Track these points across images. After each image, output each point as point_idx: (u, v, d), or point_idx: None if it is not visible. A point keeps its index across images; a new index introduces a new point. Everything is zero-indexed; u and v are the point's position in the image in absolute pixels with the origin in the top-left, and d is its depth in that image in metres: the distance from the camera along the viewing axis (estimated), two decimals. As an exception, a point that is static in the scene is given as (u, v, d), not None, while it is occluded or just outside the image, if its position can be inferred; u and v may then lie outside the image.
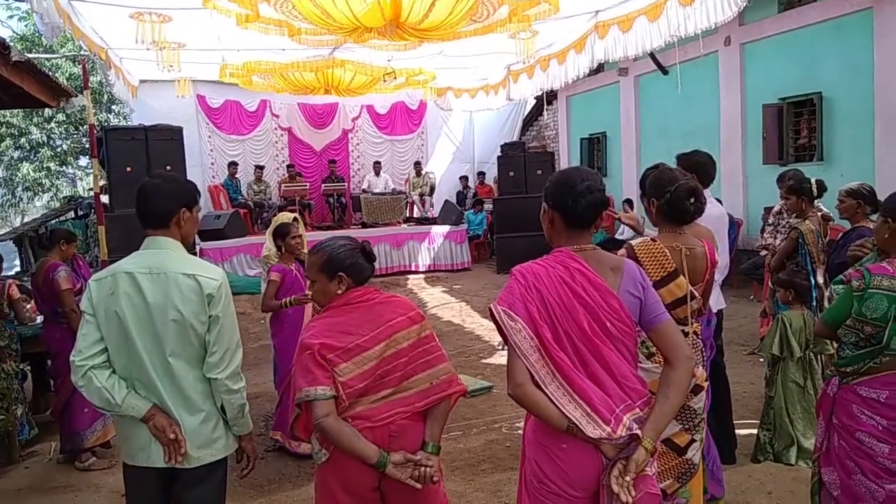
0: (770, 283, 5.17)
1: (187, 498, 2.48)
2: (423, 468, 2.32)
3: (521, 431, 4.78)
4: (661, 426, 2.01)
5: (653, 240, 2.76)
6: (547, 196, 2.16)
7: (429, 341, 2.47)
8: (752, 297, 8.92)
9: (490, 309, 2.04)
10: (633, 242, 2.78)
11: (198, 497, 2.49)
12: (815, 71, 9.22)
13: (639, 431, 1.94)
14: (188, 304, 2.37)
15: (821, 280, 4.56)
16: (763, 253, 7.07)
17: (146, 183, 2.51)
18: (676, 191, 2.73)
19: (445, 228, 12.94)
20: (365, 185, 14.61)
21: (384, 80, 11.53)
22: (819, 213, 5.09)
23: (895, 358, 2.55)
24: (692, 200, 2.73)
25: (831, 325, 2.68)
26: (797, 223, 4.83)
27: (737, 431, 4.40)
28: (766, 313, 5.28)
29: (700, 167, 3.59)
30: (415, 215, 14.35)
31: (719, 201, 9.69)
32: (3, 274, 5.73)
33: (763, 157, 9.99)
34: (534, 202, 12.38)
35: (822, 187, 5.05)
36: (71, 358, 2.39)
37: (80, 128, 20.60)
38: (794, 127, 9.72)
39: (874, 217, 4.31)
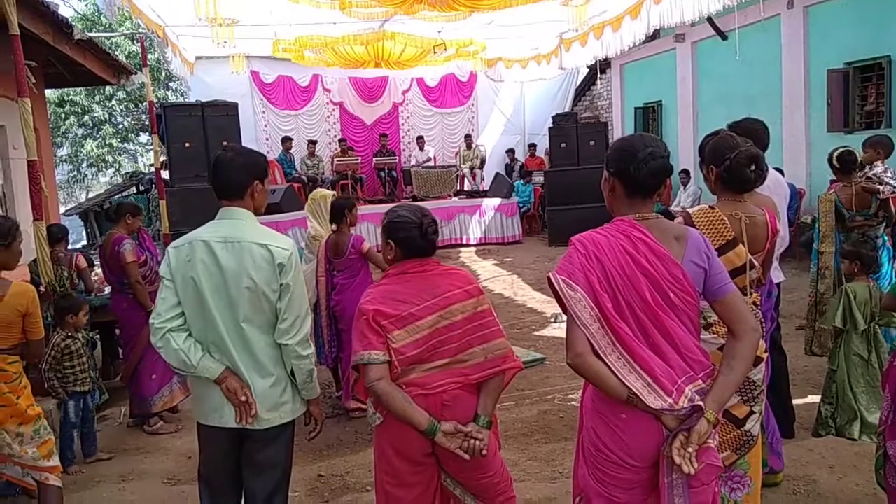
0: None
1: (257, 457, 2.59)
2: (472, 440, 2.35)
3: (574, 403, 4.80)
4: (724, 398, 1.98)
5: (711, 207, 2.71)
6: (608, 163, 2.11)
7: (485, 316, 2.47)
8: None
9: (548, 278, 2.02)
10: (690, 210, 2.73)
11: (267, 456, 2.59)
12: (883, 33, 8.78)
13: (701, 403, 1.92)
14: (261, 272, 2.46)
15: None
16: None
17: (221, 156, 2.60)
18: (737, 157, 2.67)
19: (496, 201, 12.90)
20: (413, 161, 14.65)
21: (434, 52, 11.51)
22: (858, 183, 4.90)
23: None
24: (753, 167, 2.67)
25: None
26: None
27: (797, 405, 4.32)
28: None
29: (751, 134, 3.47)
30: (465, 188, 14.33)
31: (780, 171, 9.42)
32: (70, 247, 5.98)
33: (828, 125, 9.60)
34: (587, 174, 12.23)
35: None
36: (150, 320, 2.52)
37: (140, 105, 21.16)
38: (861, 93, 9.30)
39: None
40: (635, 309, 1.96)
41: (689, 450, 1.87)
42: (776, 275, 3.52)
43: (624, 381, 1.92)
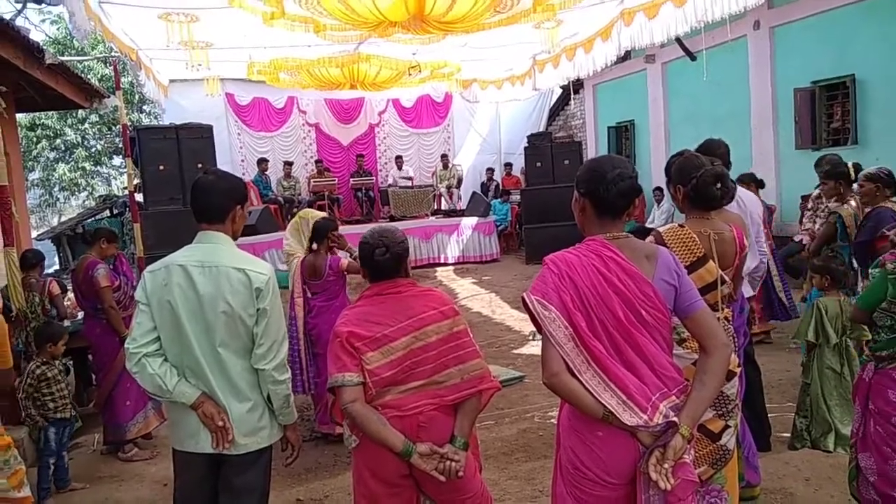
0: (810, 269, 5.11)
1: (235, 482, 2.56)
2: (448, 462, 2.35)
3: (553, 420, 4.80)
4: (698, 413, 2.01)
5: (681, 225, 2.76)
6: (578, 184, 2.16)
7: (461, 336, 2.48)
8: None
9: (523, 298, 2.05)
10: (660, 229, 2.78)
11: (244, 482, 2.56)
12: (848, 53, 9.02)
13: (675, 419, 1.94)
14: (238, 296, 2.45)
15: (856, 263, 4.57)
16: (798, 238, 6.98)
17: (203, 179, 2.60)
18: (702, 177, 2.74)
19: (474, 220, 12.95)
20: (391, 180, 14.68)
21: (409, 74, 11.56)
22: (857, 197, 5.02)
23: None
24: (718, 186, 2.74)
25: (866, 309, 2.66)
26: (836, 207, 4.78)
27: (773, 418, 4.37)
28: (805, 299, 5.21)
29: (713, 153, 3.54)
30: (443, 208, 14.38)
31: (761, 183, 9.59)
32: (43, 273, 5.89)
33: (796, 142, 9.81)
34: (561, 192, 12.29)
35: (858, 170, 4.99)
36: (126, 345, 2.49)
37: (113, 128, 20.94)
38: (828, 111, 9.53)
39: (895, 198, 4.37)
40: (608, 327, 1.99)
41: (665, 465, 1.89)
42: (747, 290, 3.58)
43: (599, 398, 1.94)
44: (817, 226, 5.44)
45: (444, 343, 2.44)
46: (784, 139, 10.15)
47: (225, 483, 2.57)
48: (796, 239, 7.21)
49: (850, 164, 4.94)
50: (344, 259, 4.90)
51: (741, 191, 3.57)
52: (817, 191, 5.83)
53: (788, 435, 4.20)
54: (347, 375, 2.35)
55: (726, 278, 2.72)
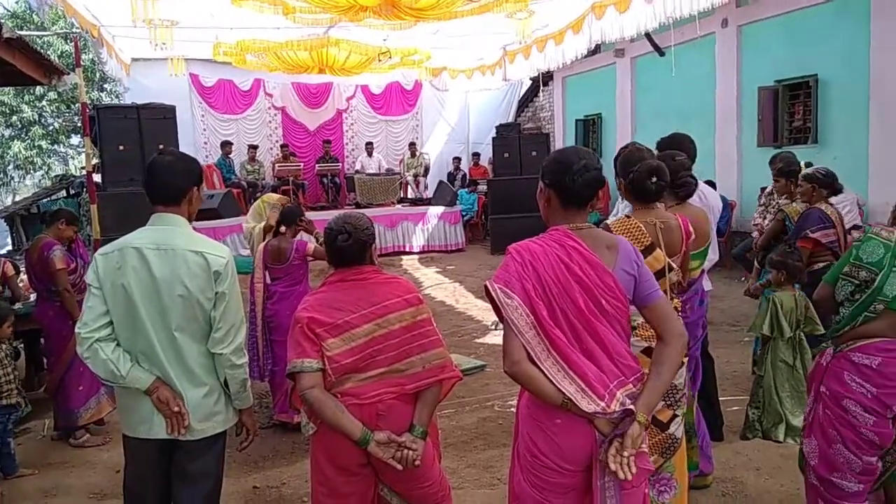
0: (756, 263, 5.21)
1: (189, 468, 2.51)
2: (406, 451, 2.34)
3: (513, 409, 4.81)
4: (653, 401, 2.04)
5: (627, 216, 2.81)
6: (544, 174, 2.17)
7: (424, 325, 2.46)
8: (742, 278, 8.96)
9: (486, 286, 2.05)
10: (609, 220, 2.84)
11: (198, 468, 2.52)
12: (812, 53, 9.21)
13: (632, 406, 1.96)
14: (195, 280, 2.40)
15: None
16: (754, 234, 7.11)
17: (159, 159, 2.53)
18: (638, 171, 2.80)
19: (440, 209, 12.93)
20: (358, 166, 14.55)
21: (379, 60, 11.47)
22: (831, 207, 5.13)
23: (888, 318, 2.57)
24: (654, 180, 2.81)
25: (830, 283, 2.73)
26: (784, 205, 4.88)
27: (727, 409, 4.46)
28: (749, 293, 5.31)
29: (679, 146, 3.60)
30: (409, 196, 14.32)
31: (713, 183, 9.75)
32: (-3, 252, 5.72)
33: (758, 140, 9.99)
34: (528, 183, 12.35)
35: (836, 187, 5.09)
36: (77, 330, 2.42)
37: (72, 106, 20.41)
38: (790, 109, 9.72)
39: (833, 199, 4.54)
40: (569, 315, 2.01)
41: (625, 454, 1.91)
42: (707, 283, 3.63)
43: (559, 386, 1.95)
44: (767, 221, 5.55)
45: (407, 331, 2.42)
46: (747, 136, 10.33)
47: (178, 469, 2.53)
48: (754, 235, 7.34)
49: (802, 163, 5.05)
50: (311, 243, 4.84)
51: (703, 186, 3.62)
52: (770, 187, 5.95)
53: (741, 426, 4.28)
54: (307, 361, 2.33)
55: (674, 266, 2.79)
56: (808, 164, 5.08)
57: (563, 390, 1.95)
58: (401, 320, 2.42)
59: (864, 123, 8.51)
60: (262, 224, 5.19)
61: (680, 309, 2.96)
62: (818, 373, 2.78)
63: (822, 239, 4.38)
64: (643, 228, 2.73)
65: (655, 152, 3.36)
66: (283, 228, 4.82)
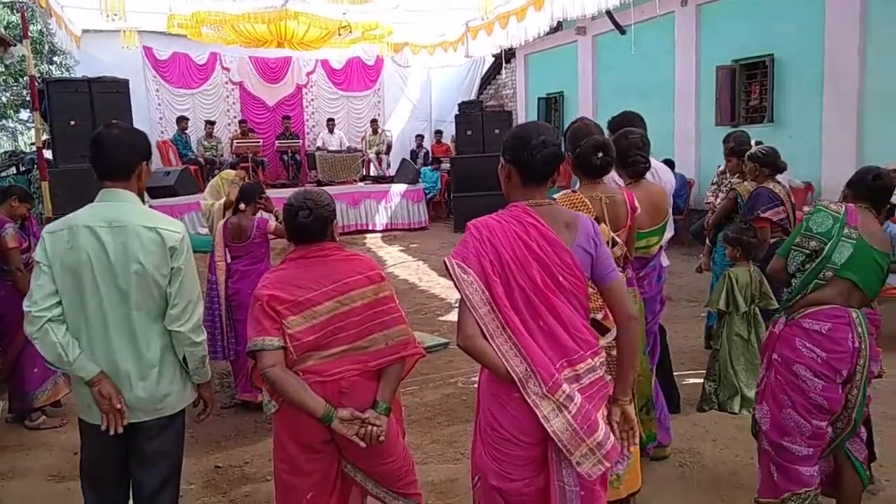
0: (708, 240, 5.33)
1: (146, 449, 2.48)
2: (369, 427, 2.35)
3: (475, 385, 4.87)
4: (627, 384, 2.22)
5: (573, 191, 2.86)
6: (504, 150, 2.17)
7: (386, 302, 2.46)
8: (701, 255, 9.14)
9: (444, 262, 2.07)
10: (556, 196, 2.85)
11: (156, 448, 2.49)
12: (768, 33, 9.35)
13: (580, 401, 2.03)
14: (150, 256, 2.34)
15: None
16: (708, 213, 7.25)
17: (104, 133, 2.44)
18: (584, 146, 2.84)
19: (402, 187, 12.87)
20: (319, 143, 14.37)
21: (339, 34, 11.31)
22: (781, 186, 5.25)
23: (837, 285, 2.68)
24: (600, 155, 2.85)
25: (783, 255, 2.85)
26: (736, 184, 4.99)
27: (685, 383, 4.57)
28: (701, 269, 5.46)
29: (630, 123, 3.65)
30: (371, 174, 14.21)
31: (671, 162, 9.89)
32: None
33: (716, 119, 10.15)
34: (491, 161, 12.32)
35: (781, 165, 5.21)
36: (26, 308, 2.34)
37: (20, 79, 19.67)
38: (747, 89, 9.88)
39: (780, 178, 4.66)
40: (527, 291, 2.03)
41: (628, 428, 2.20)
42: (664, 259, 3.69)
43: (507, 365, 2.00)
44: (719, 200, 5.67)
45: (368, 308, 2.41)
46: (705, 115, 10.48)
47: (135, 450, 2.49)
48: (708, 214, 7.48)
49: (753, 143, 5.15)
50: (271, 221, 4.79)
51: (655, 164, 3.66)
52: (723, 166, 6.06)
53: (698, 398, 4.40)
54: (267, 339, 2.31)
55: (618, 240, 2.84)
56: (758, 143, 5.18)
57: (511, 370, 1.99)
58: (363, 297, 2.40)
59: (819, 103, 8.71)
60: (222, 201, 5.11)
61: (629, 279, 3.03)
62: (771, 341, 2.88)
63: (773, 217, 4.49)
64: (588, 203, 2.77)
65: (607, 131, 3.41)
66: (242, 206, 4.76)
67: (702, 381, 4.43)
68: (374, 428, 2.35)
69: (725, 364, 4.26)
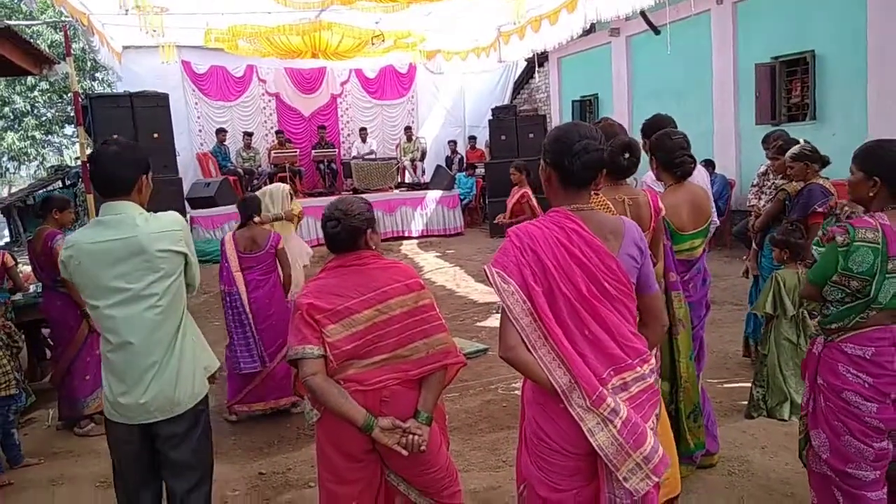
0: (754, 244, 5.18)
1: (171, 457, 2.55)
2: (410, 436, 2.33)
3: (516, 392, 4.83)
4: None
5: (595, 193, 2.78)
6: (545, 153, 2.12)
7: (427, 310, 2.43)
8: (744, 257, 8.95)
9: (484, 270, 2.04)
10: None
11: (180, 458, 2.55)
12: (809, 29, 9.14)
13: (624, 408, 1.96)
14: (161, 255, 2.44)
15: None
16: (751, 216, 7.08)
17: (103, 150, 2.51)
18: (611, 146, 2.76)
19: (438, 193, 12.89)
20: (354, 152, 14.48)
21: (372, 44, 11.37)
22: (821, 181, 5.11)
23: (882, 312, 2.52)
24: (627, 156, 2.82)
25: (817, 284, 2.64)
26: (784, 184, 4.85)
27: (731, 389, 4.46)
28: (748, 274, 5.30)
29: (662, 126, 3.58)
30: (406, 181, 14.26)
31: (711, 162, 9.71)
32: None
33: (756, 118, 9.94)
34: (526, 166, 12.19)
35: (825, 160, 5.07)
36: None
37: (65, 96, 20.26)
38: (787, 86, 9.66)
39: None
40: (571, 299, 1.98)
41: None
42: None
43: (550, 377, 1.95)
44: (762, 202, 5.50)
45: (408, 316, 2.39)
46: (744, 114, 10.27)
47: (162, 458, 2.56)
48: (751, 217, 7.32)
49: (801, 141, 5.02)
50: (282, 241, 4.99)
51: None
52: (764, 167, 5.90)
53: (745, 404, 4.29)
54: (308, 348, 2.32)
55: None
56: (806, 142, 5.05)
57: (555, 382, 1.95)
58: (402, 305, 2.39)
59: (863, 99, 8.47)
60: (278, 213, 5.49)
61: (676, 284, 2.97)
62: (811, 362, 2.72)
63: (828, 211, 4.37)
64: (609, 205, 2.69)
65: (639, 135, 3.37)
66: (257, 219, 4.94)
67: (748, 386, 4.32)
68: (416, 437, 2.33)
69: (774, 369, 4.15)
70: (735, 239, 8.63)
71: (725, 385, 4.81)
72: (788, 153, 4.63)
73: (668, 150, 3.18)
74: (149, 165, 2.58)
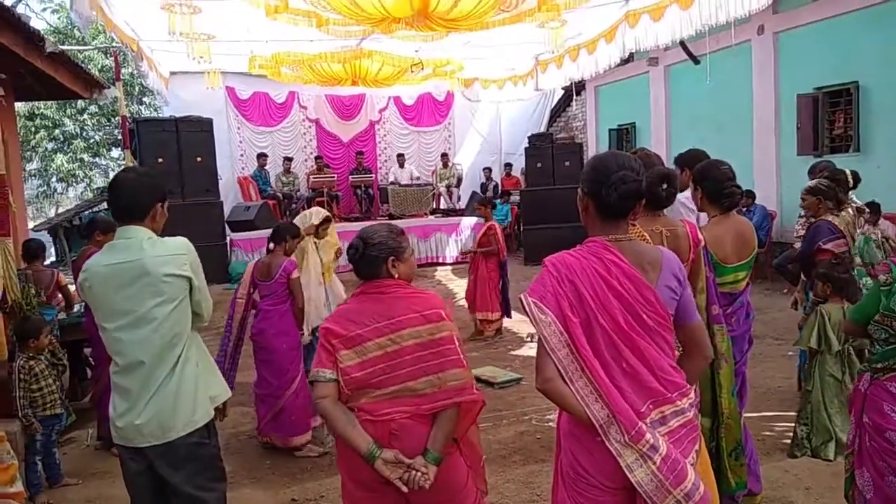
0: (802, 274, 5.09)
1: (174, 482, 2.54)
2: (413, 473, 2.25)
3: (550, 423, 4.77)
4: None
5: (632, 224, 2.75)
6: (582, 182, 2.11)
7: (443, 343, 2.35)
8: (785, 290, 8.77)
9: (520, 299, 2.02)
10: None
11: (184, 483, 2.54)
12: (852, 60, 9.00)
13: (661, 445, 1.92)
14: (171, 286, 2.47)
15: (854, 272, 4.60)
16: (796, 245, 6.95)
17: (122, 176, 2.58)
18: (649, 177, 2.73)
19: (473, 220, 12.90)
20: (391, 178, 14.63)
21: (411, 71, 11.52)
22: (854, 205, 5.04)
23: None
24: (665, 186, 2.78)
25: (860, 323, 2.62)
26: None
27: (772, 426, 4.34)
28: (796, 305, 5.19)
29: (691, 161, 3.56)
30: (441, 207, 14.33)
31: (752, 194, 9.55)
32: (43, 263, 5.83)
33: (797, 149, 9.78)
34: (562, 194, 12.31)
35: (856, 178, 5.03)
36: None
37: (113, 119, 20.86)
38: (830, 117, 9.51)
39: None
40: (609, 332, 1.96)
41: None
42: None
43: (588, 411, 1.92)
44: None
45: (422, 349, 2.32)
46: (786, 145, 10.13)
47: (168, 483, 2.55)
48: (796, 246, 7.18)
49: (848, 172, 4.94)
50: (297, 271, 4.79)
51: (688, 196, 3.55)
52: None
53: (788, 442, 4.17)
54: (321, 371, 2.32)
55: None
56: (854, 173, 4.99)
57: (592, 416, 1.91)
58: (415, 337, 2.33)
59: (909, 131, 8.29)
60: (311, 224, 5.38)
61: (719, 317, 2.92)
62: (857, 399, 2.69)
63: (835, 249, 4.36)
64: (647, 237, 2.67)
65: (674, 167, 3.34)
66: (271, 245, 4.78)
67: (792, 423, 4.20)
68: (417, 474, 2.26)
69: (818, 407, 4.03)
70: (776, 272, 8.45)
71: (768, 423, 4.68)
72: (806, 186, 4.61)
73: (717, 180, 3.15)
74: (165, 194, 2.63)
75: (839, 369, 4.06)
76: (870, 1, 8.67)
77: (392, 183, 14.28)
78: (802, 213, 6.32)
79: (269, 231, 9.53)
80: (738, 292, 3.19)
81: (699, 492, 1.94)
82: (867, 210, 6.64)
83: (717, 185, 3.14)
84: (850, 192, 5.10)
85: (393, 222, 2.72)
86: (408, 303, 2.38)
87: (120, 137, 14.13)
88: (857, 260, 3.29)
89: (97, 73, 13.63)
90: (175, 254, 2.50)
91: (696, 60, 11.08)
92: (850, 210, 4.81)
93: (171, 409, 2.49)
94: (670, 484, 1.89)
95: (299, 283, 4.76)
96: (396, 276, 2.44)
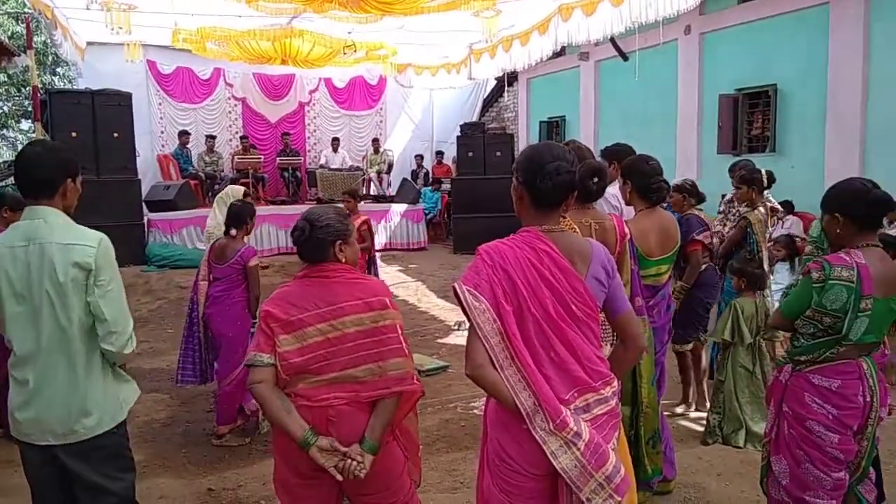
0: (717, 270, 5.28)
1: (80, 473, 2.41)
2: (349, 461, 2.23)
3: (476, 411, 4.79)
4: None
5: (562, 216, 2.79)
6: (517, 171, 2.11)
7: (386, 332, 2.32)
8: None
9: (454, 287, 2.00)
10: None
11: (89, 475, 2.41)
12: (772, 63, 9.40)
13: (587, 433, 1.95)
14: (68, 273, 2.27)
15: (766, 266, 4.90)
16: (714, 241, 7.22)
17: (29, 150, 2.40)
18: (580, 170, 2.78)
19: (403, 207, 12.84)
20: (322, 161, 14.36)
21: (343, 53, 11.33)
22: (768, 204, 5.27)
23: (850, 347, 2.58)
24: (595, 180, 2.83)
25: (790, 317, 2.69)
26: (746, 213, 4.97)
27: (689, 414, 4.48)
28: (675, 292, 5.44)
29: (618, 155, 3.65)
30: (372, 193, 14.19)
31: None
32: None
33: (717, 147, 10.16)
34: (493, 184, 12.38)
35: (771, 178, 5.26)
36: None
37: (23, 90, 19.72)
38: (749, 118, 9.91)
39: (699, 206, 4.91)
40: (539, 320, 1.98)
41: None
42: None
43: (516, 398, 1.94)
44: (727, 229, 5.64)
45: (364, 336, 2.30)
46: (707, 143, 10.50)
47: (73, 477, 2.41)
48: (714, 242, 7.46)
49: (763, 171, 5.16)
50: (255, 259, 4.56)
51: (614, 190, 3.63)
52: (730, 195, 6.04)
53: (702, 430, 4.32)
54: (258, 356, 2.26)
55: None
56: (769, 173, 5.21)
57: (520, 403, 1.93)
58: (357, 324, 2.29)
59: (821, 134, 8.73)
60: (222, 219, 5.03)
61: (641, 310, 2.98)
62: (777, 389, 2.77)
63: (705, 240, 4.56)
64: (577, 229, 2.72)
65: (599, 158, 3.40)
66: (233, 231, 4.52)
67: (704, 413, 4.35)
68: (353, 463, 2.23)
69: (730, 396, 4.19)
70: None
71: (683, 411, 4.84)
72: (672, 183, 4.81)
73: (646, 174, 3.21)
74: (77, 169, 2.44)
75: (750, 361, 4.23)
76: (791, 6, 9.06)
77: (321, 166, 14.02)
78: (721, 208, 6.57)
79: (191, 212, 9.15)
80: (660, 285, 3.27)
81: (619, 474, 1.97)
82: (780, 209, 6.96)
83: (645, 179, 3.20)
84: (766, 192, 5.32)
85: (328, 205, 2.62)
86: (352, 289, 2.34)
87: (30, 109, 13.32)
88: (809, 248, 3.42)
89: (7, 39, 12.81)
90: (82, 244, 2.30)
91: (625, 57, 11.33)
92: (761, 209, 5.03)
93: (82, 406, 2.34)
94: (592, 467, 1.92)
95: (256, 271, 4.55)
96: (343, 259, 2.38)
